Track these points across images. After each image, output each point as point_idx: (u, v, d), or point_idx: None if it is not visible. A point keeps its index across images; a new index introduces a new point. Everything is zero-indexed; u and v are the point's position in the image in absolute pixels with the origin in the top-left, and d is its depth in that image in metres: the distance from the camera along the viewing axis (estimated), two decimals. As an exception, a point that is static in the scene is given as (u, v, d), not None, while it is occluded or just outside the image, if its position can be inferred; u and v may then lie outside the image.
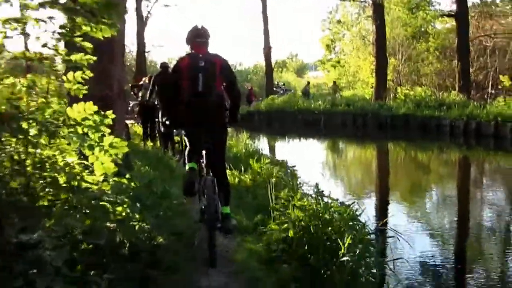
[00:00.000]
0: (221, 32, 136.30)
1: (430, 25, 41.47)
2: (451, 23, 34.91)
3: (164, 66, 12.47)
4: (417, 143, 20.87)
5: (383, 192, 12.22)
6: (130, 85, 14.50)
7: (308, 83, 40.52)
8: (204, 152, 5.05)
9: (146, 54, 37.56)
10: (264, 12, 35.50)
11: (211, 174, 5.02)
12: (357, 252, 4.12)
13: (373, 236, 4.75)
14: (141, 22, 35.01)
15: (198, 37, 5.10)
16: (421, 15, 40.24)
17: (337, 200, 5.42)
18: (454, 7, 26.79)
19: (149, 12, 36.44)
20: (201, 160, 5.13)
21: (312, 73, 75.39)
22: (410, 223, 8.87)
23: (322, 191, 6.12)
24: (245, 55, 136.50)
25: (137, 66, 35.84)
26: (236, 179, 8.84)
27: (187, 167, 5.06)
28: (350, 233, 4.32)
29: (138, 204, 4.41)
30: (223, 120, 5.12)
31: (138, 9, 35.04)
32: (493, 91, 30.17)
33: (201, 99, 4.83)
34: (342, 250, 4.16)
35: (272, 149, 20.49)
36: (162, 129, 12.05)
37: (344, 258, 4.01)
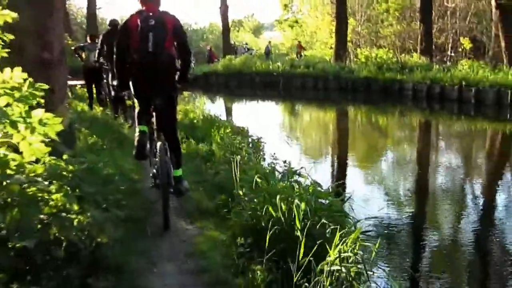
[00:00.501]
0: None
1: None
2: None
3: (113, 24, 11.28)
4: (378, 106, 20.29)
5: (341, 156, 11.94)
6: (73, 48, 13.21)
7: (269, 42, 39.50)
8: (154, 113, 5.01)
9: (97, 12, 35.84)
10: (221, -32, 34.00)
11: (162, 136, 5.01)
12: (349, 257, 3.27)
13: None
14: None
15: None
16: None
17: (317, 183, 4.58)
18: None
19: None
20: (152, 122, 5.10)
21: (269, 33, 74.15)
22: (366, 186, 8.96)
23: (296, 171, 5.34)
24: (200, 13, 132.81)
25: (88, 24, 34.19)
26: (194, 151, 7.95)
27: (137, 130, 5.00)
28: (336, 228, 3.47)
29: (78, 191, 3.59)
30: (173, 81, 5.02)
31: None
32: (452, 54, 29.83)
33: (152, 59, 4.71)
34: (331, 254, 3.31)
35: (230, 112, 19.54)
36: (112, 92, 11.06)
37: (334, 268, 3.14)
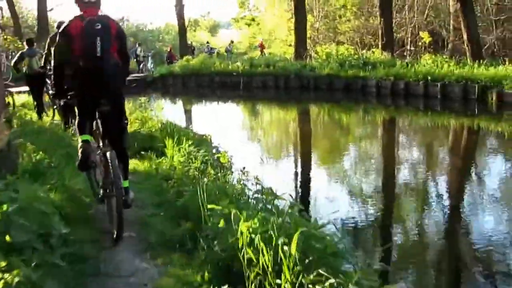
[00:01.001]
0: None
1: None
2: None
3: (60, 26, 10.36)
4: (342, 104, 19.78)
5: (304, 159, 11.47)
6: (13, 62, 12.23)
7: (232, 42, 38.79)
8: (100, 121, 4.86)
9: (48, 14, 34.44)
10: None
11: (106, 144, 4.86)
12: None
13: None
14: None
15: None
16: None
17: (301, 209, 3.89)
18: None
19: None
20: (97, 131, 4.99)
21: (225, 32, 73.55)
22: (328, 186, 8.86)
23: (272, 191, 4.64)
24: (155, 13, 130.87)
25: (39, 27, 32.84)
26: (154, 166, 7.17)
27: (80, 140, 4.85)
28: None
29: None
30: (120, 86, 4.93)
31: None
32: (412, 48, 29.65)
33: (100, 64, 4.56)
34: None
35: (190, 117, 18.72)
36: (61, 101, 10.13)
37: None
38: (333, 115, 18.36)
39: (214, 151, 8.22)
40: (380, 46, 23.95)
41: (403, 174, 9.85)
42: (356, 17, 34.00)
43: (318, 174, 9.96)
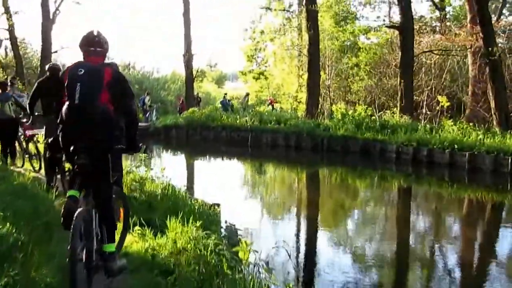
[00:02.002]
0: (138, 35, 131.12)
1: (359, 39, 40.06)
2: (383, 36, 33.22)
3: (52, 69, 9.15)
4: (358, 169, 18.28)
5: (313, 234, 10.16)
6: None
7: (247, 94, 37.46)
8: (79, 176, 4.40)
9: (53, 56, 33.43)
10: (186, 14, 31.95)
11: (89, 203, 4.37)
12: None
13: None
14: (47, 19, 30.89)
15: (90, 45, 4.46)
16: (348, 29, 38.82)
17: None
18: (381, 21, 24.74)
19: (57, 9, 32.56)
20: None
21: (231, 84, 72.97)
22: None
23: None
24: (162, 60, 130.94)
25: (41, 69, 31.70)
26: (149, 251, 5.61)
27: (67, 195, 4.46)
28: None
29: None
30: (108, 142, 4.36)
31: (44, 4, 30.92)
32: (428, 112, 28.34)
33: (77, 113, 4.17)
34: None
35: (193, 175, 17.20)
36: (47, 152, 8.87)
37: None
38: (349, 182, 16.82)
39: (225, 231, 6.66)
40: (398, 108, 22.61)
41: (418, 258, 8.79)
42: (370, 76, 32.86)
43: (328, 252, 8.80)
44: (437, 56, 27.16)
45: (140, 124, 24.62)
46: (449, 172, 16.51)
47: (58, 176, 8.87)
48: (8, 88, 11.12)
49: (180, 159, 21.89)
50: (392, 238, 10.11)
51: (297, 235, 10.08)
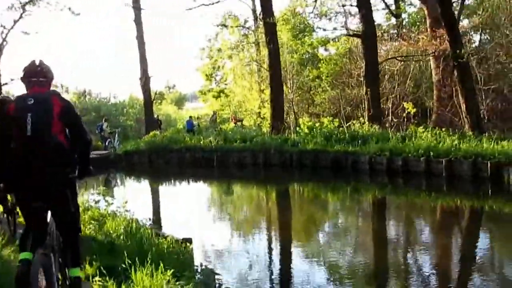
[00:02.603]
0: (91, 61, 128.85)
1: (318, 51, 39.69)
2: (342, 46, 32.85)
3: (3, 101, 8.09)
4: (331, 184, 17.51)
5: (294, 256, 9.41)
6: None
7: (215, 112, 36.42)
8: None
9: (3, 88, 31.81)
10: (140, 37, 30.89)
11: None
12: None
13: None
14: (-6, 50, 29.46)
15: (33, 75, 4.20)
16: (307, 41, 38.43)
17: None
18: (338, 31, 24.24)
19: (4, 40, 31.05)
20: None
21: (191, 104, 72.02)
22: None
23: None
24: (117, 85, 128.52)
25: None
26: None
27: (19, 258, 4.05)
28: None
29: None
30: (64, 175, 4.08)
31: (-10, 35, 29.46)
32: (394, 119, 27.90)
33: (31, 145, 3.89)
34: None
35: (158, 203, 16.11)
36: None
37: None
38: (323, 197, 16.06)
39: (201, 275, 5.70)
40: (366, 117, 22.00)
41: (395, 270, 8.19)
42: (332, 87, 32.31)
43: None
44: (400, 63, 26.76)
45: (99, 152, 23.57)
46: (427, 181, 15.89)
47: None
48: None
49: (143, 186, 20.73)
50: (370, 252, 9.52)
51: (275, 263, 9.16)
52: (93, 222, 8.07)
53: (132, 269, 5.29)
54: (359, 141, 18.78)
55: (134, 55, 56.13)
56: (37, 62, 4.30)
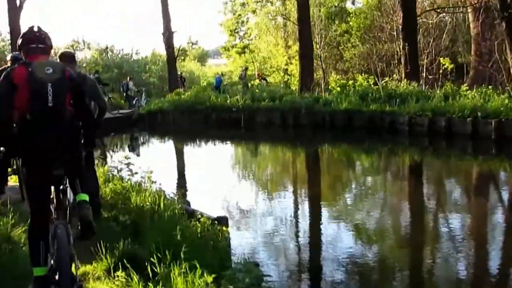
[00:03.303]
0: (113, 16, 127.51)
1: (345, 5, 38.21)
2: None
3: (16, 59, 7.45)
4: (365, 146, 16.45)
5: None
6: None
7: (246, 68, 35.10)
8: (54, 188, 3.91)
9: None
10: (163, -10, 29.44)
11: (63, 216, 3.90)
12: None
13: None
14: (14, 6, 28.19)
15: (32, 42, 3.99)
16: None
17: None
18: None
19: (24, -6, 29.90)
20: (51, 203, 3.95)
21: (213, 61, 70.87)
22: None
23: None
24: (139, 41, 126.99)
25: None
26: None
27: (34, 275, 3.72)
28: None
29: None
30: (79, 146, 4.03)
31: (10, -10, 28.18)
32: (429, 76, 26.48)
33: (52, 118, 3.72)
34: None
35: (182, 170, 15.11)
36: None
37: None
38: (357, 159, 15.07)
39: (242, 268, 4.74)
40: (403, 74, 20.67)
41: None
42: (362, 42, 30.82)
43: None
44: (435, 16, 25.17)
45: (121, 111, 22.70)
46: (473, 144, 14.72)
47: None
48: None
49: (167, 148, 19.79)
50: (404, 219, 9.00)
51: (319, 242, 8.19)
52: (114, 196, 7.15)
53: (162, 264, 4.37)
54: (397, 100, 17.53)
55: (156, 10, 54.89)
56: (35, 28, 4.10)
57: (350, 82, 20.24)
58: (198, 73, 45.12)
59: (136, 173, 8.05)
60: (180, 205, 6.81)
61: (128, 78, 27.38)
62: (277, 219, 9.04)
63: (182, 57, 45.46)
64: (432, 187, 11.52)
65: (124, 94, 26.13)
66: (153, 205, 6.58)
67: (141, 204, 6.67)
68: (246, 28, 49.60)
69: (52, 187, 3.95)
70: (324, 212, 9.44)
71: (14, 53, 8.29)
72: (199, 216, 6.33)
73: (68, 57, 6.95)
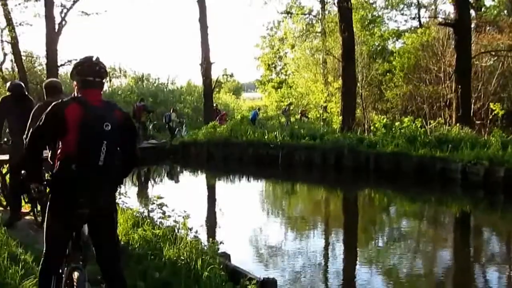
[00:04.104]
0: (150, 44, 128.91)
1: (388, 43, 37.44)
2: (418, 38, 30.09)
3: (15, 89, 7.59)
4: (412, 193, 15.23)
5: None
6: None
7: (290, 103, 34.31)
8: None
9: (60, 69, 30.48)
10: (203, 19, 28.78)
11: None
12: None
13: None
14: (52, 31, 27.91)
15: (91, 74, 3.70)
16: (377, 32, 36.00)
17: None
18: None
19: (63, 19, 29.68)
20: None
21: (247, 94, 70.45)
22: None
23: None
24: (175, 70, 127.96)
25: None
26: None
27: None
28: None
29: None
30: (114, 199, 3.95)
31: (49, 14, 27.92)
32: (477, 122, 25.11)
33: (98, 174, 3.55)
34: None
35: (215, 204, 14.12)
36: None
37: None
38: (402, 207, 13.94)
39: None
40: (454, 118, 19.41)
41: None
42: (405, 82, 29.63)
43: None
44: (490, 59, 23.93)
45: (153, 141, 21.91)
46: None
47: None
48: None
49: (200, 184, 18.74)
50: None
51: None
52: (143, 245, 6.12)
53: None
54: (449, 145, 16.26)
55: (193, 39, 54.61)
56: (94, 59, 3.77)
57: (397, 123, 18.99)
58: (233, 106, 44.37)
59: (170, 216, 7.04)
60: (218, 259, 5.74)
61: (171, 109, 26.85)
62: (324, 274, 7.91)
63: (217, 89, 44.91)
64: (481, 244, 10.30)
65: (166, 126, 25.38)
66: (189, 260, 5.54)
67: (175, 258, 5.63)
68: (283, 63, 49.09)
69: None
70: (378, 277, 8.24)
71: (14, 81, 8.09)
72: (243, 277, 5.28)
73: (54, 88, 6.71)
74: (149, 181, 18.34)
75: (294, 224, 11.89)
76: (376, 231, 11.32)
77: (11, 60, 33.20)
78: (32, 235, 6.78)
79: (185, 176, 20.22)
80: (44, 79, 32.28)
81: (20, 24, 30.55)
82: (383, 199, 15.11)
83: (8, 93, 7.57)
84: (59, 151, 3.61)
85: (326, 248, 9.89)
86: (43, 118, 3.56)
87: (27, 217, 7.68)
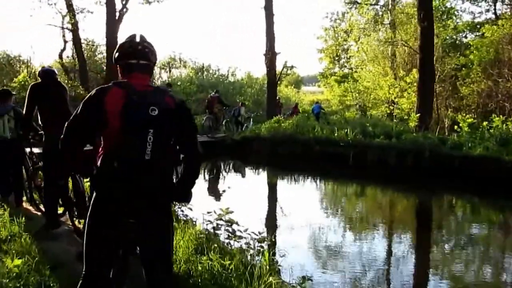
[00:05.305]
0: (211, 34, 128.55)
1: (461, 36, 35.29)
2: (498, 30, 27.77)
3: (46, 75, 6.49)
4: (503, 202, 13.40)
5: None
6: None
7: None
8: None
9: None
10: (268, 7, 27.26)
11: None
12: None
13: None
14: (113, 18, 27.18)
15: (132, 56, 3.09)
16: (450, 25, 33.99)
17: None
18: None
19: (124, 6, 29.06)
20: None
21: (307, 88, 69.13)
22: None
23: None
24: (235, 61, 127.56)
25: (107, 70, 28.44)
26: None
27: None
28: None
29: None
30: (169, 202, 3.24)
31: (110, 1, 27.21)
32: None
33: (145, 171, 2.93)
34: None
35: (280, 208, 12.58)
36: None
37: None
38: (491, 222, 12.07)
39: None
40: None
41: None
42: (484, 78, 27.39)
43: None
44: None
45: (213, 136, 20.63)
46: None
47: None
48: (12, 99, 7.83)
49: (262, 183, 17.39)
50: None
51: None
52: (208, 279, 4.68)
53: None
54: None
55: (256, 29, 53.53)
56: (137, 38, 3.11)
57: (485, 123, 17.02)
58: (294, 99, 42.91)
59: (241, 237, 5.63)
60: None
61: (240, 103, 25.49)
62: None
63: (279, 82, 43.60)
64: None
65: (234, 120, 24.12)
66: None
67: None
68: (348, 56, 47.37)
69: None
70: None
71: (45, 66, 7.33)
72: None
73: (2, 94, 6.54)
74: (208, 178, 17.11)
75: (371, 234, 10.33)
76: (463, 246, 9.67)
77: (71, 49, 32.85)
78: (73, 251, 5.46)
79: (245, 174, 18.92)
80: (104, 68, 31.89)
81: (80, 11, 30.11)
82: (468, 208, 13.41)
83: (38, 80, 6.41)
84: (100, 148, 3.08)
85: (403, 263, 8.34)
86: (79, 109, 2.98)
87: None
